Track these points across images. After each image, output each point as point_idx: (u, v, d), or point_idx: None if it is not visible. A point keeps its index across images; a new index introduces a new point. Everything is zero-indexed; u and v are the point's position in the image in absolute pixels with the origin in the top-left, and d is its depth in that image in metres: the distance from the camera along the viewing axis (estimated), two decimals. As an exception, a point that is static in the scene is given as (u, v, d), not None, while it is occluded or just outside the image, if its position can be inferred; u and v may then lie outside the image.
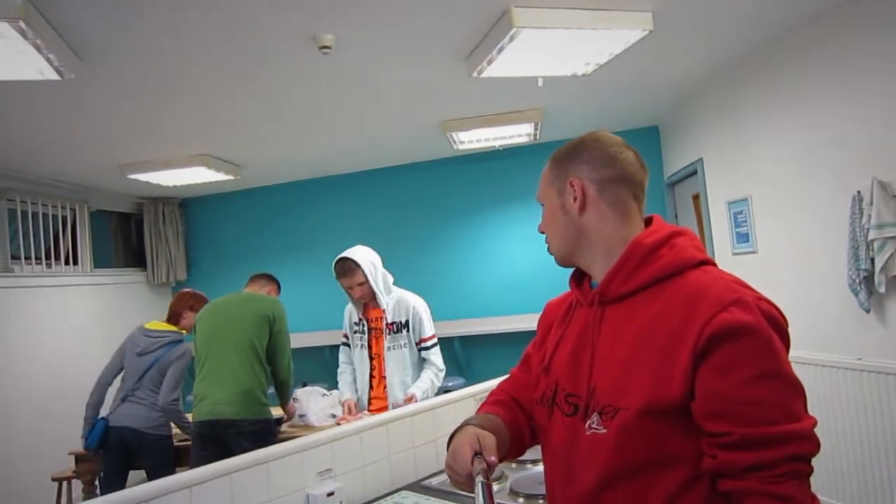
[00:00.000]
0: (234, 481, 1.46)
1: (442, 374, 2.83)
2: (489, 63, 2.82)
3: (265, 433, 2.82)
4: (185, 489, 1.36)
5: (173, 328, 3.29)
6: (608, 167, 1.07)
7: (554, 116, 4.23)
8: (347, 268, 2.77)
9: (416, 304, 2.84)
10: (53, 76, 2.33)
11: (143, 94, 3.04)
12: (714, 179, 3.83)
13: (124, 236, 5.69)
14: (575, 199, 1.07)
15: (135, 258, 5.71)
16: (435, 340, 2.87)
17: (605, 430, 0.95)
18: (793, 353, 0.95)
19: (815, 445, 0.87)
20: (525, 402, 1.19)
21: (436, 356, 2.84)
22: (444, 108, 3.88)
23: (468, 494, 0.96)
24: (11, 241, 4.23)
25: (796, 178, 2.99)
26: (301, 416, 3.41)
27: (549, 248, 1.15)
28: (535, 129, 4.36)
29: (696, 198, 4.20)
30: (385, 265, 2.92)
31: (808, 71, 2.85)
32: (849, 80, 2.61)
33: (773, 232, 3.23)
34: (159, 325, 3.31)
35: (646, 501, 0.92)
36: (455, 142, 4.56)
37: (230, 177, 4.78)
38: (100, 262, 5.15)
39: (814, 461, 0.90)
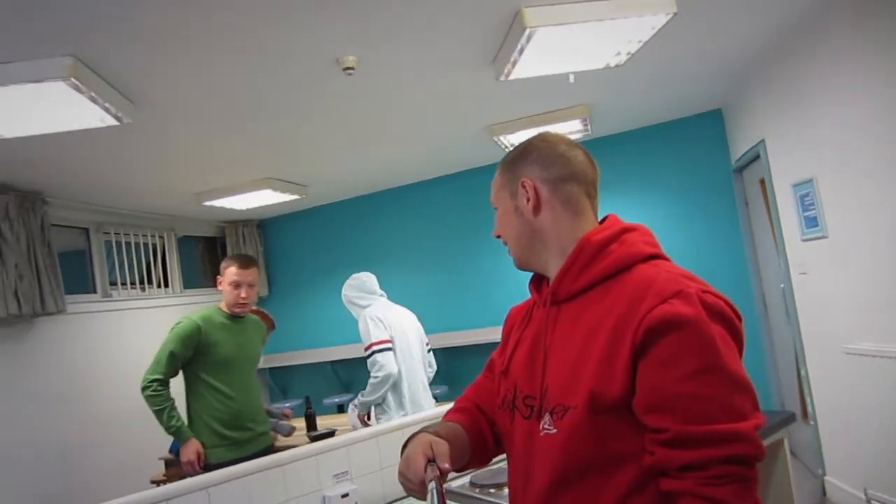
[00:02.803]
0: (250, 483, 1.57)
1: (366, 391, 3.17)
2: (513, 65, 2.81)
3: None
4: (202, 490, 1.48)
5: None
6: (558, 166, 1.07)
7: (603, 110, 4.12)
8: None
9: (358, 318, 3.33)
10: (113, 122, 2.61)
11: (197, 129, 3.31)
12: (777, 161, 3.55)
13: (211, 258, 6.18)
14: (528, 200, 1.07)
15: (221, 278, 6.20)
16: (367, 353, 3.16)
17: (555, 431, 0.95)
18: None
19: (754, 448, 0.82)
20: (488, 407, 1.19)
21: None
22: (485, 114, 3.89)
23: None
24: (110, 271, 4.75)
25: (863, 155, 2.71)
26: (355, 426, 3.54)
27: (508, 251, 1.16)
28: (585, 124, 4.26)
29: (762, 182, 3.92)
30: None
31: (866, 36, 2.59)
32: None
33: (843, 214, 2.94)
34: None
35: (599, 501, 0.91)
36: (506, 145, 4.55)
37: (296, 196, 5.06)
38: (189, 283, 5.63)
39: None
